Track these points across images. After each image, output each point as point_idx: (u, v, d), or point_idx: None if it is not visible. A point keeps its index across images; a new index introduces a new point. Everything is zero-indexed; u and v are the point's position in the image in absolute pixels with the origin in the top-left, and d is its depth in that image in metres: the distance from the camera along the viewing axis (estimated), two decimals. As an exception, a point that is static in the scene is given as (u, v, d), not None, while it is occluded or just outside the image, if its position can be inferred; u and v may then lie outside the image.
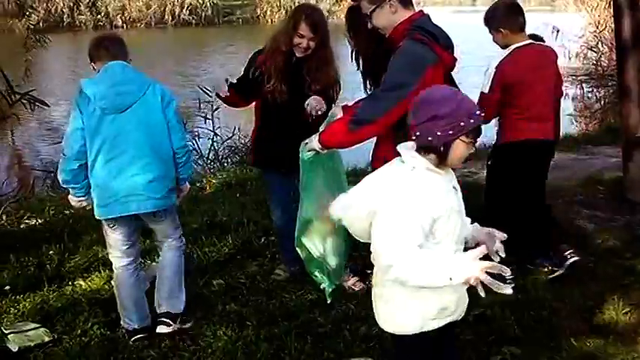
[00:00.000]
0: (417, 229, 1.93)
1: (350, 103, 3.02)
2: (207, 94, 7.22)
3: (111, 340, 3.26)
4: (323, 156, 3.13)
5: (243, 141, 7.34)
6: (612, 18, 5.33)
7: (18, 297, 3.67)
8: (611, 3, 5.39)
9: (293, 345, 3.13)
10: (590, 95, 13.36)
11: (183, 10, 35.35)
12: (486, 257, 2.01)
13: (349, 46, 3.38)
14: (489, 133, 3.71)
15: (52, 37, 7.38)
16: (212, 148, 7.45)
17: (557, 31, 14.91)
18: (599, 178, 5.57)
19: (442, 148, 1.98)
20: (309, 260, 3.35)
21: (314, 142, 2.93)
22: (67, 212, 4.86)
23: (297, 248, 3.32)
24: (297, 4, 38.94)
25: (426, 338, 2.13)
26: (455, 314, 2.20)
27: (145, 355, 3.12)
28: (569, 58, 15.71)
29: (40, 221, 4.96)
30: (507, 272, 1.92)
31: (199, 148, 7.42)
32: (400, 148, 2.06)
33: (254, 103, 3.68)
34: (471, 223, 2.23)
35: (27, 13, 7.34)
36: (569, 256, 3.68)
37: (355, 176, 6.24)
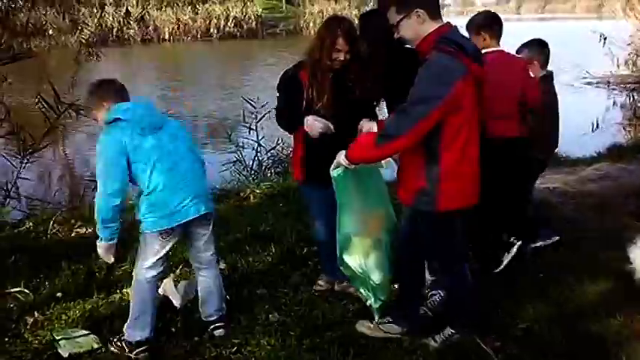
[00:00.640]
0: None
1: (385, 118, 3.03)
2: (252, 105, 7.31)
3: (157, 348, 3.32)
4: (360, 172, 3.13)
5: (286, 152, 7.39)
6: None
7: (69, 304, 3.76)
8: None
9: (336, 356, 3.13)
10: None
11: (228, 23, 35.96)
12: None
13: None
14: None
15: (102, 51, 7.60)
16: (256, 158, 7.53)
17: (605, 39, 14.60)
18: (650, 188, 5.42)
19: None
20: (354, 278, 3.37)
21: (341, 157, 2.94)
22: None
23: (340, 267, 3.34)
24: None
25: None
26: None
27: (189, 364, 3.16)
28: (618, 66, 15.37)
29: (89, 230, 5.08)
30: None
31: (244, 159, 7.50)
32: None
33: None
34: None
35: (79, 28, 7.59)
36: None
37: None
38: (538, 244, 4.28)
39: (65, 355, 3.27)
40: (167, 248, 3.26)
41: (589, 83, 15.30)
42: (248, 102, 7.43)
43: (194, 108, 14.09)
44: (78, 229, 5.17)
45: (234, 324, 3.48)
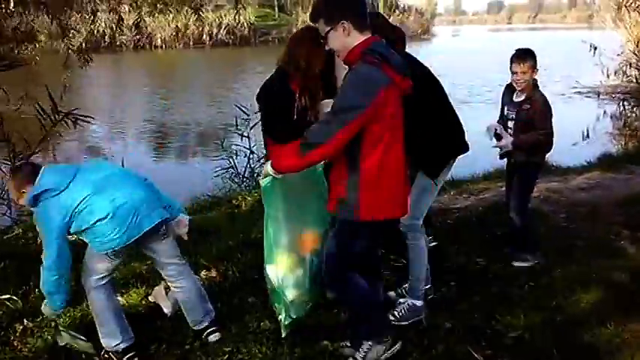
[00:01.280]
0: None
1: None
2: (244, 112, 7.31)
3: (147, 356, 3.30)
4: (299, 187, 3.16)
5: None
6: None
7: (58, 311, 3.73)
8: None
9: (328, 364, 3.11)
10: (630, 113, 13.09)
11: (221, 31, 36.05)
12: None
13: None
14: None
15: (93, 57, 7.57)
16: (248, 165, 7.52)
17: (595, 49, 14.72)
18: (640, 198, 5.44)
19: None
20: (271, 290, 3.40)
21: (268, 166, 2.93)
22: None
23: (265, 278, 3.37)
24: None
25: None
26: None
27: (180, 372, 3.14)
28: (607, 76, 15.49)
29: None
30: None
31: (236, 166, 7.49)
32: None
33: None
34: None
35: (70, 34, 7.55)
36: None
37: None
38: (517, 264, 4.24)
39: (62, 343, 3.30)
40: (119, 260, 3.27)
41: (579, 93, 15.40)
42: (240, 109, 7.42)
43: (186, 115, 14.09)
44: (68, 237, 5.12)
45: (225, 332, 3.46)
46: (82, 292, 3.82)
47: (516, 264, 4.23)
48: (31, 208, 3.20)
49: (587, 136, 10.36)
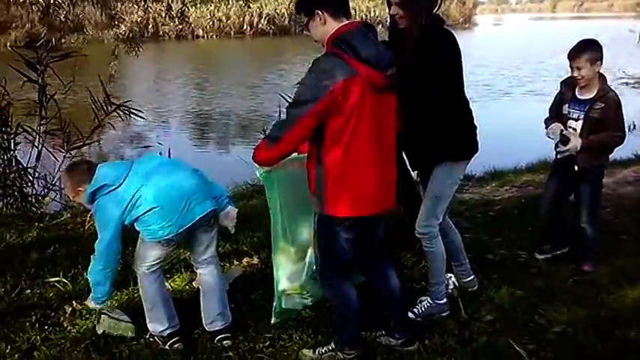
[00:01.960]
0: None
1: None
2: (288, 101, 7.34)
3: (192, 340, 3.37)
4: (289, 172, 3.19)
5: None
6: None
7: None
8: None
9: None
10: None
11: (262, 20, 36.20)
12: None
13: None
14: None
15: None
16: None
17: (643, 37, 14.30)
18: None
19: None
20: (274, 279, 3.49)
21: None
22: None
23: None
24: (373, 14, 38.90)
25: None
26: None
27: (224, 357, 3.21)
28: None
29: (125, 223, 5.18)
30: None
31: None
32: None
33: None
34: None
35: (117, 24, 7.73)
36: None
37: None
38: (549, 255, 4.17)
39: (99, 331, 3.38)
40: (170, 248, 3.32)
41: (626, 83, 15.00)
42: (284, 98, 7.47)
43: (226, 105, 14.23)
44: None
45: (265, 318, 3.52)
46: (128, 277, 3.96)
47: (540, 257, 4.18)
48: (88, 205, 3.26)
49: (634, 127, 10.08)
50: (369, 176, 2.78)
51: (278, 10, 35.64)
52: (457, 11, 45.77)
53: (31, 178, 6.00)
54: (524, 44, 25.81)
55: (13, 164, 5.92)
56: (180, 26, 33.42)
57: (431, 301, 3.51)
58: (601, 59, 3.76)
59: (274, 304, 3.48)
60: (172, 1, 8.31)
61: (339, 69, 2.60)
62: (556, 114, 3.95)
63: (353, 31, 2.68)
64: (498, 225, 4.89)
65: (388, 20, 3.44)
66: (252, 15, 36.30)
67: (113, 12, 7.48)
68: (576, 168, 3.88)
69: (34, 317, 3.60)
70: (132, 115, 6.39)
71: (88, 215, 5.23)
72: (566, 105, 3.88)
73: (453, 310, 3.53)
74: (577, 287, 3.79)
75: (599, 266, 4.01)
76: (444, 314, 3.50)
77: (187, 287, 3.93)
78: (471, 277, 3.75)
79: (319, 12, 2.69)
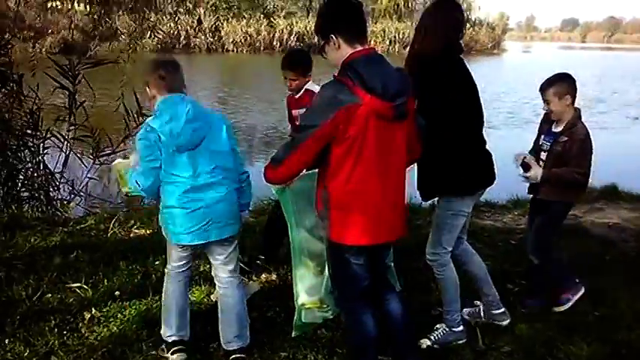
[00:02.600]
0: None
1: None
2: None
3: (207, 355, 3.38)
4: (304, 188, 3.22)
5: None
6: None
7: (125, 303, 3.88)
8: None
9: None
10: None
11: (291, 37, 36.57)
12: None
13: None
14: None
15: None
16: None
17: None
18: None
19: None
20: (294, 293, 3.55)
21: None
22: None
23: None
24: (402, 34, 39.08)
25: None
26: None
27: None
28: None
29: (148, 232, 5.24)
30: None
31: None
32: None
33: None
34: None
35: (150, 35, 7.87)
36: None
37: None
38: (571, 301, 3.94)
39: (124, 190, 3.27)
40: (188, 254, 3.30)
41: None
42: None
43: (247, 120, 14.35)
44: (136, 230, 5.33)
45: (281, 336, 3.52)
46: (148, 287, 4.00)
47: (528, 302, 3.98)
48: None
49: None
50: (373, 205, 2.73)
51: (308, 28, 35.94)
52: (486, 37, 45.73)
53: (57, 183, 6.10)
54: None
55: (41, 168, 6.03)
56: (211, 40, 34.02)
57: (447, 329, 3.49)
58: (570, 93, 3.68)
59: (295, 317, 3.50)
60: (205, 16, 8.45)
61: (342, 96, 2.58)
62: (535, 145, 3.95)
63: (363, 59, 2.66)
64: (519, 254, 4.84)
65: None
66: (282, 32, 36.72)
67: (147, 23, 7.61)
68: (537, 197, 3.83)
69: (53, 322, 3.64)
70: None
71: (111, 223, 5.31)
72: (542, 136, 3.88)
73: (471, 338, 3.51)
74: (598, 323, 3.73)
75: (620, 302, 3.95)
76: (460, 342, 3.47)
77: (205, 300, 3.95)
78: (501, 310, 3.69)
79: (333, 37, 2.69)
